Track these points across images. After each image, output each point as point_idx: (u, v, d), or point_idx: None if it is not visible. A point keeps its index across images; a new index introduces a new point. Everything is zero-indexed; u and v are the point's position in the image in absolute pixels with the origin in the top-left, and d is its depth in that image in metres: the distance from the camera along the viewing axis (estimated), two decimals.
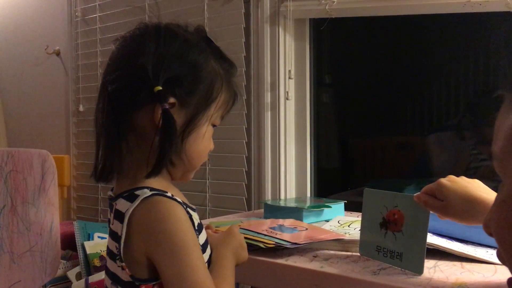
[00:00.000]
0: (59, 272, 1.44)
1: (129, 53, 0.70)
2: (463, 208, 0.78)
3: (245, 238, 0.97)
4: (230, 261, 0.76)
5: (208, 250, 0.75)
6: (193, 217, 0.70)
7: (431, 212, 0.83)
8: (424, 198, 0.82)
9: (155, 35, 0.69)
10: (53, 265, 0.84)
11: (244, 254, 0.81)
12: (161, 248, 0.65)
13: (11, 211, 0.73)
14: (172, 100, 0.68)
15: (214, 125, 0.75)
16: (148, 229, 0.65)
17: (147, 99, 0.67)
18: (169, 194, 0.68)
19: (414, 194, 0.84)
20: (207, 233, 0.78)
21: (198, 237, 0.70)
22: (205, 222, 1.23)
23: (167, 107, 0.67)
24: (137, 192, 0.67)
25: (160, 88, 0.66)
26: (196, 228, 0.70)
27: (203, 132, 0.71)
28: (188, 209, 0.70)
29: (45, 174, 0.84)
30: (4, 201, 0.71)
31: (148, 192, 0.66)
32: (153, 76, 0.66)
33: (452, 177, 0.82)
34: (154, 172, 0.68)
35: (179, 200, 0.69)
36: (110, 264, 0.70)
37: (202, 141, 0.72)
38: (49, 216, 0.85)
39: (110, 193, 0.73)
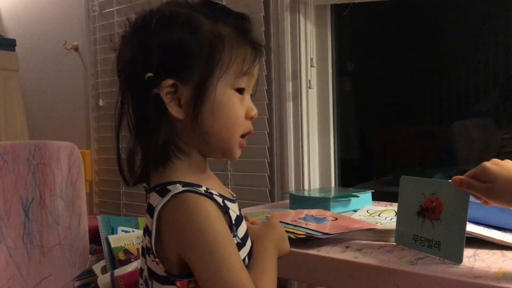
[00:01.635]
0: None
1: (121, 53, 0.69)
2: (510, 191, 0.74)
3: None
4: (271, 254, 0.72)
5: (249, 243, 0.71)
6: (231, 209, 0.67)
7: (471, 200, 0.79)
8: (467, 180, 0.78)
9: (135, 25, 0.67)
10: (82, 258, 0.84)
11: (286, 245, 0.77)
12: (192, 248, 0.62)
13: (40, 204, 0.72)
14: (169, 82, 0.64)
15: (239, 89, 0.68)
16: (178, 228, 0.63)
17: (148, 90, 0.64)
18: (201, 189, 0.65)
19: (453, 177, 0.80)
20: (247, 226, 0.74)
21: (236, 231, 0.67)
22: None
23: (156, 92, 0.63)
24: (169, 187, 0.64)
25: (151, 74, 0.63)
26: (234, 221, 0.67)
27: (213, 101, 0.65)
28: (226, 202, 0.67)
29: (71, 167, 0.83)
30: (33, 194, 0.70)
31: (179, 188, 0.63)
32: (143, 67, 0.64)
33: (496, 160, 0.78)
34: (156, 162, 0.65)
35: (215, 193, 0.66)
36: (145, 258, 0.68)
37: (221, 111, 0.66)
38: (77, 209, 0.84)
39: (145, 184, 0.71)
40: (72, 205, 0.82)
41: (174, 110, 0.65)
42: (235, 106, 0.67)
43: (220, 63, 0.66)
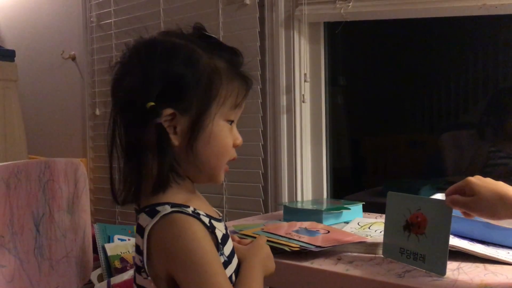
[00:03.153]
0: None
1: (120, 77, 0.71)
2: (494, 203, 0.79)
3: (270, 241, 1.00)
4: (258, 273, 0.75)
5: (235, 260, 0.75)
6: (217, 229, 0.70)
7: (453, 214, 0.84)
8: (450, 198, 0.83)
9: (136, 53, 0.69)
10: (86, 269, 0.87)
11: (272, 265, 0.81)
12: (180, 267, 0.65)
13: (49, 219, 0.76)
14: (169, 111, 0.67)
15: (230, 121, 0.73)
16: (167, 247, 0.65)
17: (147, 118, 0.67)
18: (189, 210, 0.67)
19: (444, 199, 0.85)
20: (234, 246, 0.77)
21: (222, 249, 0.70)
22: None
23: (159, 122, 0.67)
24: (158, 208, 0.67)
25: (152, 103, 0.66)
26: (220, 240, 0.70)
27: (209, 132, 0.70)
28: (212, 221, 0.70)
29: (77, 182, 0.87)
30: (43, 210, 0.74)
31: (168, 209, 0.66)
32: (144, 95, 0.66)
33: (479, 176, 0.84)
34: (157, 189, 0.68)
35: (202, 213, 0.69)
36: (137, 276, 0.71)
37: (214, 141, 0.70)
38: (82, 222, 0.87)
39: (135, 205, 0.74)
40: (78, 218, 0.86)
41: (172, 138, 0.68)
42: (225, 136, 0.72)
43: (218, 96, 0.70)
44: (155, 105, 0.66)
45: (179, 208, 0.67)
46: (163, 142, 0.67)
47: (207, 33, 0.73)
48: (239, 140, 0.74)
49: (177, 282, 0.66)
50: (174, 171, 0.69)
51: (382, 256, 0.96)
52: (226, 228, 0.75)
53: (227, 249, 0.72)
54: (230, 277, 0.71)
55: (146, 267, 0.67)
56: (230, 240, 0.75)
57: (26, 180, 0.70)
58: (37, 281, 0.71)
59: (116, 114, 0.71)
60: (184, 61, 0.68)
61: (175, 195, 0.69)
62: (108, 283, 1.59)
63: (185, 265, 0.64)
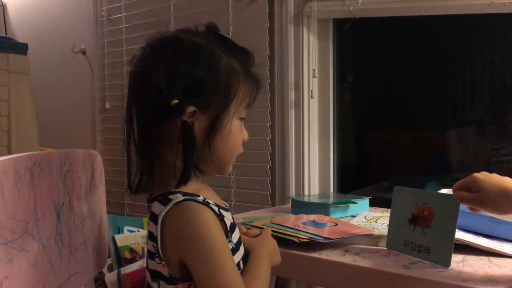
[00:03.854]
0: None
1: (142, 73, 0.73)
2: (499, 198, 0.81)
3: (280, 232, 1.03)
4: (265, 263, 0.79)
5: (242, 248, 0.78)
6: (225, 218, 0.73)
7: (461, 209, 0.87)
8: (457, 195, 0.85)
9: (161, 51, 0.71)
10: (102, 257, 0.90)
11: (278, 257, 0.85)
12: (191, 251, 0.68)
13: (69, 207, 0.79)
14: (191, 109, 0.70)
15: (242, 118, 0.77)
16: (179, 233, 0.68)
17: (168, 113, 0.70)
18: (200, 198, 0.71)
19: (452, 194, 0.87)
20: (242, 237, 0.80)
21: (231, 237, 0.74)
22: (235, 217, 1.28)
23: (184, 119, 0.69)
24: (170, 196, 0.70)
25: (177, 101, 0.69)
26: (229, 228, 0.73)
27: (228, 130, 0.73)
28: (221, 210, 0.73)
29: (94, 172, 0.90)
30: (64, 199, 0.77)
31: (180, 197, 0.70)
32: (168, 92, 0.69)
33: (485, 172, 0.85)
34: (181, 182, 0.71)
35: (211, 202, 0.72)
36: (149, 262, 0.74)
37: (230, 138, 0.74)
38: (99, 211, 0.90)
39: (147, 195, 0.77)
40: (95, 207, 0.89)
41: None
42: (238, 133, 0.77)
43: (236, 97, 0.74)
44: (179, 102, 0.69)
45: (191, 196, 0.70)
46: (189, 139, 0.70)
47: (222, 34, 0.77)
48: (247, 136, 0.79)
49: (188, 266, 0.69)
50: (195, 165, 0.72)
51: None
52: (233, 218, 0.78)
53: (235, 237, 0.76)
54: (238, 264, 0.74)
55: (160, 252, 0.70)
56: (237, 228, 0.78)
57: (48, 170, 0.73)
58: (58, 267, 0.74)
59: (135, 108, 0.74)
60: (207, 62, 0.72)
61: (187, 185, 0.72)
62: (118, 273, 1.62)
63: (196, 251, 0.68)
